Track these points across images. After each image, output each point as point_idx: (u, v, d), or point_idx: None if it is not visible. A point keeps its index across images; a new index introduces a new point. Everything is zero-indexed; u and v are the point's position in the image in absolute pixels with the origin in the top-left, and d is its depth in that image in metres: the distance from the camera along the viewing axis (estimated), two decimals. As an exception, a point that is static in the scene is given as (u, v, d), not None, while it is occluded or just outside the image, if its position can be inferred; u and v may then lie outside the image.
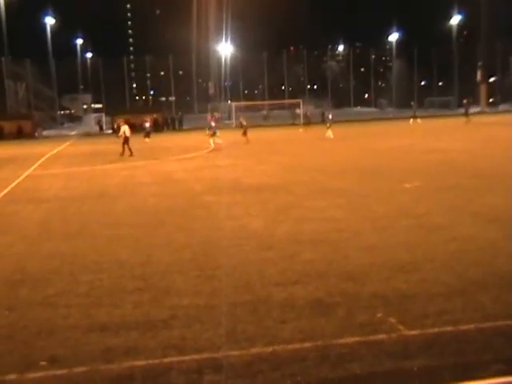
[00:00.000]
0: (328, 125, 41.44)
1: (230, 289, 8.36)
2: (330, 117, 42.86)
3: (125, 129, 32.22)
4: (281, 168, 23.64)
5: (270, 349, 6.31)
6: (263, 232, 11.99)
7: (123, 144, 32.05)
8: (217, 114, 51.50)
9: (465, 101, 58.31)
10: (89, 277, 9.27)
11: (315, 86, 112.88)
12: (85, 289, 8.67)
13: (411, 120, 56.56)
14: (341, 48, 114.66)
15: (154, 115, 39.69)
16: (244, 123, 40.98)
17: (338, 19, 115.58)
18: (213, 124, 37.55)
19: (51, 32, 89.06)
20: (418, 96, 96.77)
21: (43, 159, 32.43)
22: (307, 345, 6.37)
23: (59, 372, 6.02)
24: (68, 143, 50.50)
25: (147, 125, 47.48)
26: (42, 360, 6.28)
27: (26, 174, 25.67)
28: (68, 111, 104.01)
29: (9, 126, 66.91)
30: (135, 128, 46.92)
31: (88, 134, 68.53)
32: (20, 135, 65.38)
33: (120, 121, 37.47)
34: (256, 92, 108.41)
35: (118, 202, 16.98)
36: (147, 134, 45.71)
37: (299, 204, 15.08)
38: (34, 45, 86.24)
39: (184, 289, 8.47)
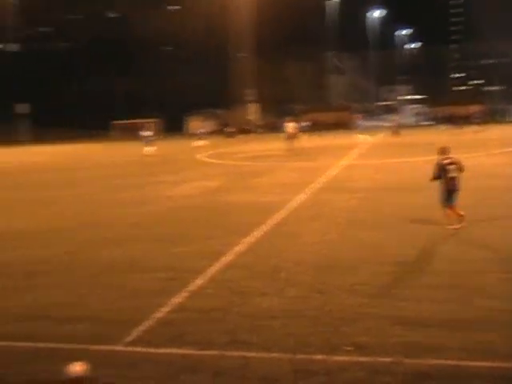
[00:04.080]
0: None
1: None
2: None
3: (288, 126, 35.78)
4: None
5: None
6: None
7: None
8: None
9: None
10: (391, 268, 9.35)
11: None
12: (388, 280, 8.76)
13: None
14: None
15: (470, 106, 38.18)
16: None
17: None
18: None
19: (370, 25, 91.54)
20: None
21: (356, 149, 33.45)
22: None
23: (362, 359, 6.17)
24: (382, 135, 51.30)
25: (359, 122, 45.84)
26: (346, 345, 6.50)
27: (341, 163, 26.77)
28: (385, 102, 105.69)
29: (328, 118, 71.10)
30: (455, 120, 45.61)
31: (404, 126, 68.71)
32: (338, 126, 68.57)
33: (287, 119, 39.26)
34: None
35: (420, 195, 16.17)
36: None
37: None
38: (355, 39, 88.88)
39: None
